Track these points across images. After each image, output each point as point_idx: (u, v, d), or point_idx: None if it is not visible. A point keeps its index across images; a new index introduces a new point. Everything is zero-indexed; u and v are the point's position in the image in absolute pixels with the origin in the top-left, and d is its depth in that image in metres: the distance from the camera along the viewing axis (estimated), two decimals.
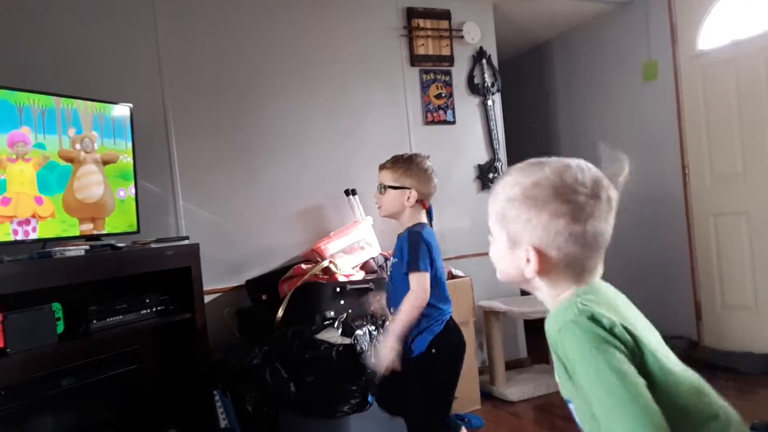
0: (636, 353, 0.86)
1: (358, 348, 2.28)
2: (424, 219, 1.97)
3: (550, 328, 0.94)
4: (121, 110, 2.39)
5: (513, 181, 0.97)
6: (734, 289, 3.48)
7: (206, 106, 2.88)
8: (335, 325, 2.39)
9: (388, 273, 2.06)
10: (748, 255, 3.38)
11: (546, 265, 0.94)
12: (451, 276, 3.12)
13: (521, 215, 0.94)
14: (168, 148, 2.77)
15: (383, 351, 1.84)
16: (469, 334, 2.11)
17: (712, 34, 3.51)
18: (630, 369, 0.83)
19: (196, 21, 2.88)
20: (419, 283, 1.83)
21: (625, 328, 0.87)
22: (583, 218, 0.91)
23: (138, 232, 2.42)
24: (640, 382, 0.82)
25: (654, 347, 0.89)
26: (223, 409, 2.39)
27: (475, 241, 3.57)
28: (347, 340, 2.30)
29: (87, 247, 2.11)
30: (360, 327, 2.37)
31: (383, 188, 1.95)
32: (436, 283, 1.90)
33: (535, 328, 3.68)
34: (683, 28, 3.64)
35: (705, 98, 3.55)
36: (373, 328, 2.40)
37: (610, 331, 0.85)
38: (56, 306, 1.97)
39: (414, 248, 1.86)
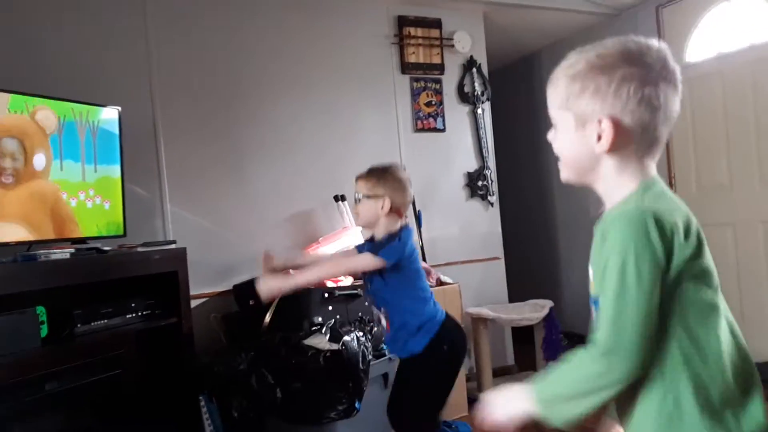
0: (694, 254, 0.87)
1: (346, 354, 2.28)
2: (399, 225, 1.99)
3: (607, 215, 0.91)
4: (110, 113, 2.38)
5: (575, 58, 0.94)
6: None
7: (195, 111, 2.87)
8: (323, 330, 2.38)
9: (367, 283, 2.07)
10: (733, 266, 3.41)
11: (619, 137, 0.90)
12: (440, 283, 3.13)
13: (589, 86, 0.91)
14: (156, 151, 2.76)
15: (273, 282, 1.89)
16: None
17: (699, 47, 3.56)
18: (654, 279, 0.83)
19: (186, 25, 2.87)
20: (360, 262, 1.92)
21: (693, 229, 0.88)
22: (653, 79, 0.89)
23: (124, 235, 2.40)
24: (655, 296, 0.83)
25: (713, 273, 0.90)
26: (208, 415, 2.36)
27: (464, 248, 3.58)
28: (335, 346, 2.29)
29: (72, 250, 2.09)
30: (348, 333, 2.36)
31: (359, 198, 1.99)
32: (417, 278, 1.95)
33: (522, 335, 3.69)
34: (671, 40, 3.69)
35: (692, 110, 3.59)
36: (361, 334, 2.39)
37: (666, 237, 0.84)
38: (40, 309, 1.94)
39: (388, 239, 1.92)
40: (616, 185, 0.95)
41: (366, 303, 2.63)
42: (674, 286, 0.86)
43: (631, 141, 0.91)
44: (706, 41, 3.53)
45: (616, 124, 0.90)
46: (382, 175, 1.98)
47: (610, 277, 0.84)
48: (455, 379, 2.01)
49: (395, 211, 1.95)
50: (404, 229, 1.96)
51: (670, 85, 0.91)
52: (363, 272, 2.01)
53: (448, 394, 1.99)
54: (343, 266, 2.05)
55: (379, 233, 1.97)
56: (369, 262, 1.89)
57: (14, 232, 2.01)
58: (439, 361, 1.95)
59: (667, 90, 0.91)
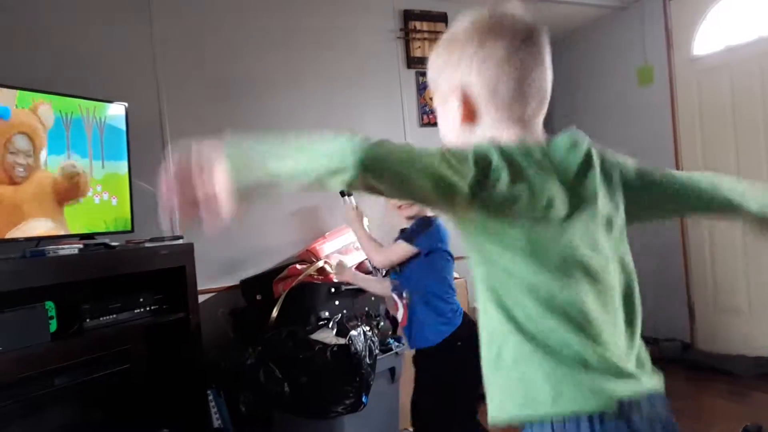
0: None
1: (353, 349, 2.28)
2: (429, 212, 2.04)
3: None
4: (117, 109, 2.38)
5: (439, 41, 0.95)
6: (728, 293, 3.50)
7: (202, 105, 2.87)
8: (330, 325, 2.39)
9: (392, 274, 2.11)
10: (741, 259, 3.40)
11: (472, 105, 0.89)
12: None
13: (439, 60, 0.92)
14: (163, 147, 2.76)
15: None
16: None
17: (707, 39, 3.53)
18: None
19: (192, 20, 2.87)
20: (395, 252, 1.96)
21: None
22: (503, 54, 0.86)
23: (132, 231, 2.41)
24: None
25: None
26: (216, 410, 2.38)
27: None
28: (342, 341, 2.30)
29: (81, 245, 2.10)
30: (355, 327, 2.37)
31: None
32: (447, 265, 1.98)
33: None
34: (679, 33, 3.66)
35: (700, 103, 3.57)
36: (368, 328, 2.39)
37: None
38: (49, 305, 1.96)
39: (419, 226, 1.96)
40: None
41: (372, 298, 2.63)
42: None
43: (490, 111, 0.89)
44: (714, 34, 3.50)
45: (465, 93, 0.89)
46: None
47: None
48: (477, 380, 1.95)
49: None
50: (439, 222, 2.00)
51: (534, 54, 0.89)
52: None
53: (472, 396, 1.90)
54: (386, 260, 2.08)
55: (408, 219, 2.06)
56: (405, 251, 1.94)
57: (32, 227, 2.02)
58: (453, 358, 1.91)
59: (526, 56, 0.88)
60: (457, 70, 0.89)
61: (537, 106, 0.90)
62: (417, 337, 2.00)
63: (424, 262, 1.95)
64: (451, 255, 2.03)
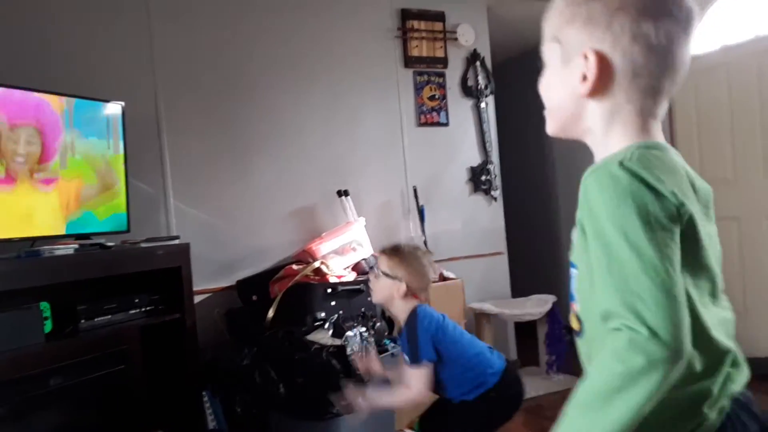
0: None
1: (348, 350, 2.28)
2: (414, 304, 1.90)
3: (586, 173, 0.74)
4: (113, 108, 2.38)
5: None
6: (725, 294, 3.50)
7: (199, 105, 2.86)
8: (326, 326, 2.39)
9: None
10: (738, 260, 3.40)
11: (606, 77, 0.77)
12: (443, 278, 3.12)
13: (581, 13, 0.77)
14: (160, 146, 2.76)
15: (365, 403, 1.85)
16: None
17: (704, 39, 3.53)
18: (666, 232, 0.67)
19: (189, 20, 2.86)
20: (418, 380, 1.79)
21: (686, 208, 0.70)
22: (657, 15, 0.75)
23: (128, 231, 2.40)
24: (676, 253, 0.67)
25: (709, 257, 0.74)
26: (211, 411, 2.37)
27: (467, 243, 3.58)
28: (338, 342, 2.30)
29: (76, 246, 2.09)
30: (351, 328, 2.36)
31: (377, 273, 1.93)
32: (460, 345, 1.86)
33: (525, 330, 3.69)
34: None
35: (696, 103, 3.57)
36: (364, 329, 2.39)
37: (658, 195, 0.69)
38: (44, 305, 1.95)
39: (412, 335, 1.81)
40: (603, 141, 0.81)
41: (369, 298, 2.63)
42: None
43: (621, 87, 0.77)
44: (710, 33, 3.50)
45: (603, 61, 0.76)
46: (404, 257, 1.91)
47: (598, 247, 0.70)
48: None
49: (411, 294, 1.89)
50: (418, 311, 1.86)
51: (678, 25, 0.76)
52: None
53: None
54: (411, 400, 1.86)
55: (396, 312, 1.92)
56: (422, 379, 1.79)
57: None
58: (481, 409, 1.84)
59: (674, 31, 0.76)
60: (598, 32, 0.76)
61: (669, 90, 0.80)
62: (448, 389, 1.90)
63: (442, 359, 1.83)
64: (454, 333, 1.89)
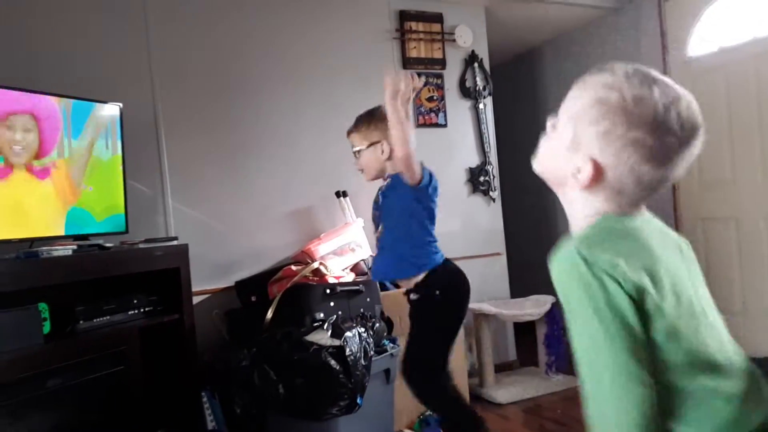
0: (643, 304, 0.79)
1: (348, 350, 2.28)
2: None
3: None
4: (111, 109, 2.38)
5: (613, 84, 0.84)
6: (723, 294, 3.50)
7: (197, 106, 2.86)
8: (325, 326, 2.38)
9: (379, 192, 2.06)
10: (736, 260, 3.41)
11: (595, 184, 0.86)
12: None
13: (602, 123, 0.83)
14: (158, 147, 2.76)
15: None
16: (458, 337, 2.14)
17: (702, 41, 3.54)
18: (619, 313, 0.77)
19: (187, 20, 2.86)
20: (417, 164, 1.87)
21: (630, 280, 0.78)
22: (659, 161, 0.83)
23: (126, 232, 2.40)
24: (632, 331, 0.77)
25: (672, 313, 0.81)
26: (210, 411, 2.37)
27: (466, 244, 3.58)
28: (337, 342, 2.29)
29: (74, 246, 2.09)
30: (350, 329, 2.36)
31: (357, 152, 1.92)
32: (428, 218, 1.96)
33: (524, 330, 3.70)
34: (673, 34, 3.67)
35: None
36: (363, 329, 2.39)
37: (605, 272, 0.78)
38: (43, 306, 1.95)
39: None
40: (578, 214, 0.92)
41: (368, 299, 2.63)
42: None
43: (605, 194, 0.88)
44: (708, 35, 3.51)
45: (598, 173, 0.85)
46: (371, 119, 1.90)
47: (574, 332, 0.81)
48: (455, 328, 2.02)
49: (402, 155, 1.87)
50: (423, 167, 1.91)
51: (676, 167, 0.85)
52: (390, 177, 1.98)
53: (448, 342, 2.00)
54: (403, 148, 1.84)
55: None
56: (418, 166, 1.84)
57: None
58: (432, 307, 1.95)
59: (670, 172, 0.85)
60: (608, 150, 0.83)
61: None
62: (394, 269, 2.00)
63: (409, 203, 1.90)
64: (434, 211, 2.01)
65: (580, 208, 0.91)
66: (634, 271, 0.79)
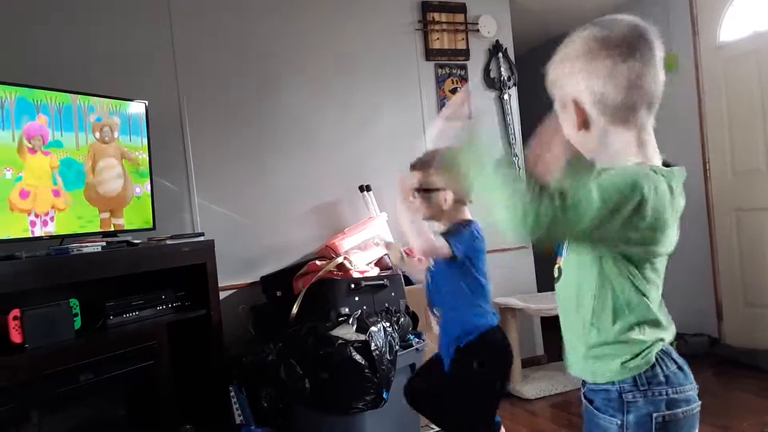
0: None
1: (373, 345, 2.28)
2: (468, 215, 1.84)
3: None
4: (137, 107, 2.40)
5: (567, 42, 1.05)
6: (757, 287, 3.41)
7: (221, 103, 2.88)
8: (350, 321, 2.38)
9: (428, 273, 1.91)
10: None
11: (585, 114, 1.00)
12: None
13: (555, 76, 1.05)
14: (183, 145, 2.78)
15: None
16: None
17: (734, 25, 3.43)
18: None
19: (210, 19, 2.88)
20: (443, 246, 1.73)
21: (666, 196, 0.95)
22: (605, 60, 0.97)
23: (154, 228, 2.43)
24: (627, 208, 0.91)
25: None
26: (238, 405, 2.40)
27: (492, 237, 3.52)
28: (362, 337, 2.29)
29: (104, 243, 2.12)
30: (375, 324, 2.36)
31: (415, 193, 1.79)
32: (476, 286, 1.80)
33: (551, 325, 3.64)
34: (704, 19, 3.56)
35: (726, 92, 3.47)
36: (388, 324, 2.38)
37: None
38: (73, 302, 1.98)
39: (458, 228, 1.76)
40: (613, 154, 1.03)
41: (393, 294, 2.62)
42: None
43: (606, 117, 1.00)
44: (741, 19, 3.40)
45: (578, 106, 1.01)
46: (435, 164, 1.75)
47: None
48: (492, 401, 1.88)
49: (459, 201, 1.79)
50: (473, 222, 1.79)
51: (641, 61, 0.98)
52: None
53: (485, 411, 1.86)
54: (430, 248, 1.78)
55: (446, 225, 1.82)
56: (442, 250, 1.72)
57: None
58: (468, 380, 1.80)
59: (639, 67, 0.98)
60: (569, 83, 1.01)
61: (647, 111, 1.01)
62: (444, 351, 1.87)
63: (457, 271, 1.78)
64: (484, 274, 1.84)
65: (614, 146, 1.04)
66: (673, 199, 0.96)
